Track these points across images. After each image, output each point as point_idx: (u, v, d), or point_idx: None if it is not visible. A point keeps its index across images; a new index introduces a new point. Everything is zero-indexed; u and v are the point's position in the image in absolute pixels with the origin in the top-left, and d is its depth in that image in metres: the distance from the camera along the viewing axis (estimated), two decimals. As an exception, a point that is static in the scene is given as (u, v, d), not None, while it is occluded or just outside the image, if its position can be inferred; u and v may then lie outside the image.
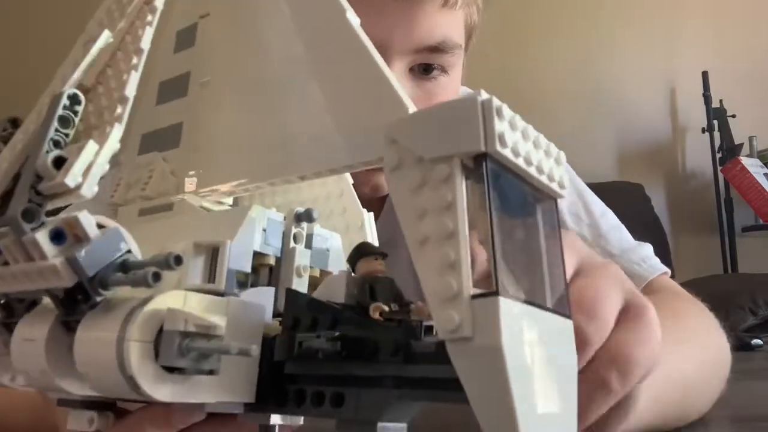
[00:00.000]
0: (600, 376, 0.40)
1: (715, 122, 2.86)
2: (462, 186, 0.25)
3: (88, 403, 0.37)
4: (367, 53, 0.33)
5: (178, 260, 0.28)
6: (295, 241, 0.37)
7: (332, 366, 0.29)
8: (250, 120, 0.39)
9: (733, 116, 2.85)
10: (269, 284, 0.36)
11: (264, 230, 0.35)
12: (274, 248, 0.36)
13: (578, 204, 0.95)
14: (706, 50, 3.00)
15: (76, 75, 0.36)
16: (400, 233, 0.26)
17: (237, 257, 0.33)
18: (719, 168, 2.85)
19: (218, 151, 0.40)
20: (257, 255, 0.35)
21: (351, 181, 0.46)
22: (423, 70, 0.77)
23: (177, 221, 0.38)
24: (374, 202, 0.81)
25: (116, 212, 0.43)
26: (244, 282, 0.34)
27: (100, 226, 0.30)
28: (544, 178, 0.28)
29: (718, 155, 2.87)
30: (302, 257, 0.36)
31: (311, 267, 0.37)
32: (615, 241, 0.91)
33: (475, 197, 0.25)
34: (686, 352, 0.65)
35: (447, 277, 0.24)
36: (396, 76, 0.65)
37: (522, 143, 0.27)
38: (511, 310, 0.24)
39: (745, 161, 2.75)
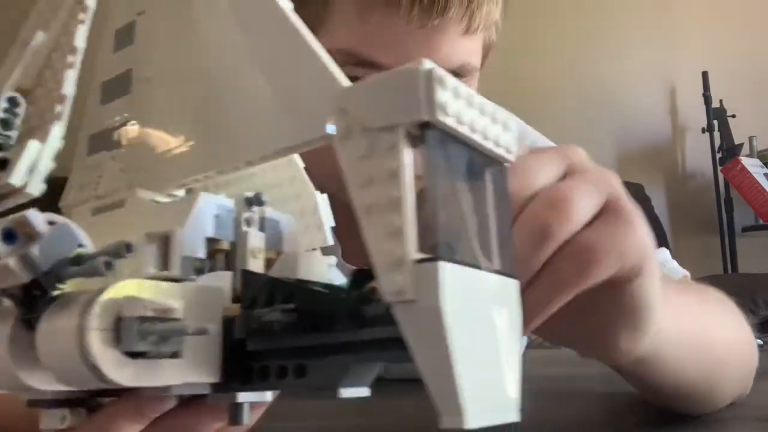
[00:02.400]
0: (557, 268, 0.39)
1: (715, 122, 2.88)
2: (406, 154, 0.26)
3: (59, 402, 0.37)
4: (298, 35, 0.34)
5: (129, 248, 0.29)
6: (248, 225, 0.38)
7: (291, 339, 0.30)
8: (193, 111, 0.40)
9: (733, 116, 2.86)
10: (227, 269, 0.36)
11: (216, 216, 0.36)
12: (227, 233, 0.37)
13: None
14: (706, 50, 3.02)
15: (14, 78, 0.37)
16: None
17: (189, 244, 0.34)
18: (719, 168, 2.86)
19: (163, 145, 0.40)
20: (211, 241, 0.36)
21: (302, 165, 0.46)
22: None
23: (129, 216, 0.39)
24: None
25: (70, 215, 0.43)
26: (201, 268, 0.35)
27: (51, 223, 0.30)
28: (490, 144, 0.29)
29: (718, 155, 2.89)
30: (256, 240, 0.37)
31: (267, 249, 0.38)
32: None
33: (420, 165, 0.26)
34: (715, 322, 0.64)
35: (391, 243, 0.25)
36: None
37: (466, 111, 0.27)
38: (451, 273, 0.25)
39: (745, 161, 2.76)
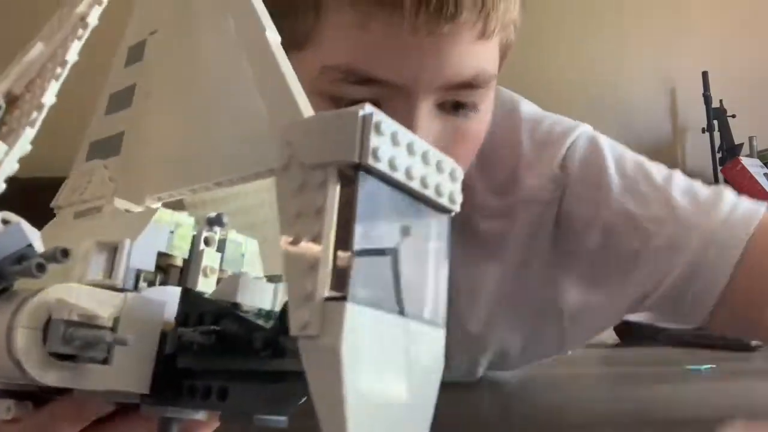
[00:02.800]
0: None
1: (715, 122, 2.87)
2: (334, 193, 0.27)
3: (4, 392, 0.37)
4: (274, 65, 0.35)
5: (65, 253, 0.30)
6: (207, 244, 0.39)
7: (216, 361, 0.31)
8: (176, 129, 0.41)
9: (733, 116, 2.85)
10: (179, 284, 0.37)
11: (172, 232, 0.37)
12: (182, 250, 0.37)
13: (637, 178, 0.84)
14: (706, 50, 3.01)
15: (4, 84, 0.39)
16: None
17: (139, 256, 0.35)
18: (719, 168, 2.84)
19: (149, 158, 0.42)
20: (164, 255, 0.37)
21: None
22: (452, 107, 0.68)
23: (100, 223, 0.40)
24: None
25: (57, 215, 0.45)
26: (153, 280, 0.36)
27: (5, 222, 0.32)
28: (430, 192, 0.30)
29: (718, 155, 2.87)
30: (210, 259, 0.38)
31: (224, 270, 0.39)
32: (691, 209, 0.79)
33: (347, 204, 0.27)
34: None
35: (306, 278, 0.26)
36: (423, 116, 0.65)
37: (403, 157, 0.28)
38: (359, 315, 0.25)
39: (745, 161, 2.75)
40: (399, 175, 0.28)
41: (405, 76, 0.63)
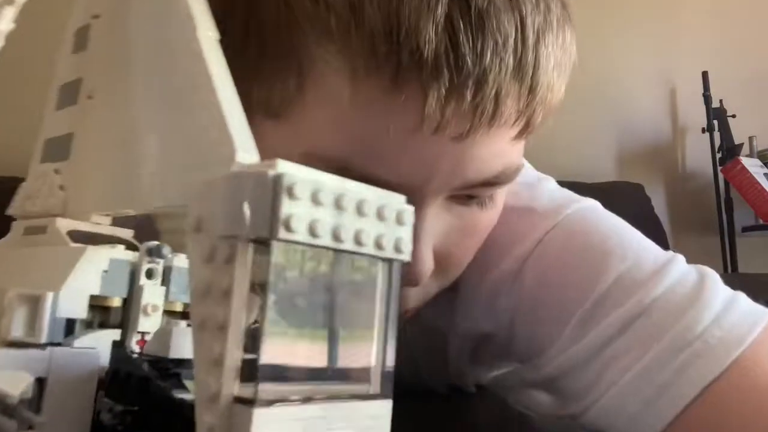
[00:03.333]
0: None
1: (715, 122, 2.85)
2: (244, 272, 0.24)
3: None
4: (210, 85, 0.30)
5: None
6: (149, 277, 0.36)
7: None
8: (114, 142, 0.38)
9: (733, 116, 2.83)
10: (120, 326, 0.35)
11: (105, 272, 0.34)
12: (119, 289, 0.35)
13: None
14: (706, 50, 2.98)
15: None
16: None
17: (67, 304, 0.32)
18: (719, 168, 2.83)
19: (95, 169, 0.39)
20: (99, 297, 0.34)
21: None
22: (466, 196, 0.55)
23: (38, 252, 0.38)
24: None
25: (12, 227, 0.43)
26: (90, 322, 0.34)
27: None
28: (367, 249, 0.26)
29: (718, 155, 2.86)
30: (151, 295, 0.36)
31: (170, 302, 0.36)
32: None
33: (259, 285, 0.24)
34: None
35: (210, 374, 0.23)
36: (429, 217, 0.51)
37: (330, 218, 0.25)
38: (269, 420, 0.23)
39: (745, 161, 2.73)
40: (323, 241, 0.24)
41: (414, 179, 0.49)
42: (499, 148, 0.50)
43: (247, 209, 0.24)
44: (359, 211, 0.26)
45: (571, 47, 0.53)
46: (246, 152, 0.28)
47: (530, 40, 0.47)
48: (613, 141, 3.00)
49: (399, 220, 0.28)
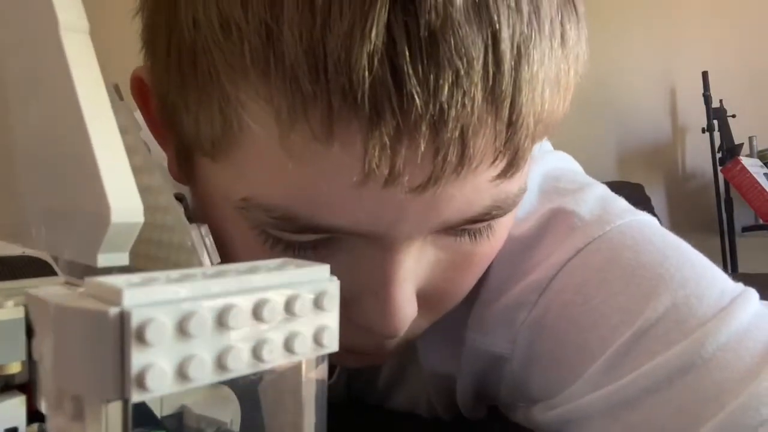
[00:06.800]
0: None
1: (715, 122, 2.84)
2: (98, 428, 0.20)
3: None
4: (78, 113, 0.26)
5: None
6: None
7: None
8: (12, 168, 0.34)
9: (733, 116, 2.82)
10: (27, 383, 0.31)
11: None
12: (17, 353, 0.30)
13: None
14: (706, 50, 2.98)
15: None
16: None
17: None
18: (719, 168, 2.82)
19: (11, 192, 0.34)
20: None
21: (182, 211, 0.38)
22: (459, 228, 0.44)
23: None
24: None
25: None
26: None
27: None
28: (273, 359, 0.22)
29: (718, 155, 2.85)
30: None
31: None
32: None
33: None
34: None
35: None
36: (404, 268, 0.42)
37: (210, 344, 0.20)
38: None
39: (745, 161, 2.71)
40: (201, 381, 0.20)
41: (376, 228, 0.40)
42: (479, 186, 0.40)
43: (89, 361, 0.19)
44: (257, 315, 0.21)
45: (576, 48, 0.45)
46: (125, 208, 0.24)
47: (506, 60, 0.36)
48: (613, 141, 3.00)
49: (318, 305, 0.23)
